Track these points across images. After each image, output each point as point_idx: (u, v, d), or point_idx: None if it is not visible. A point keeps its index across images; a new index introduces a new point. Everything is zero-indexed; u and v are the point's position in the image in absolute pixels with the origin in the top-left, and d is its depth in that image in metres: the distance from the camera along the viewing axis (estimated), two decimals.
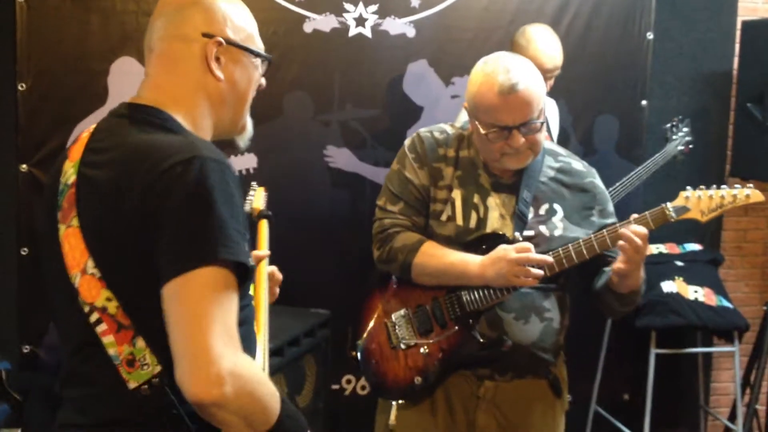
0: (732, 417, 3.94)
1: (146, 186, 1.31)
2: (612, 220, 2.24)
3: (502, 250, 2.09)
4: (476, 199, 2.18)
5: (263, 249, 1.88)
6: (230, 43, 1.49)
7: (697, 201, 2.10)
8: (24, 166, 3.22)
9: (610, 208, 2.27)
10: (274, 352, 2.60)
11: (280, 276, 1.85)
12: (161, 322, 1.32)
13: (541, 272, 2.07)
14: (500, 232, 2.15)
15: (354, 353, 2.30)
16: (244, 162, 3.36)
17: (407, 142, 2.29)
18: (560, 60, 3.06)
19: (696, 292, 3.72)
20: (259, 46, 1.56)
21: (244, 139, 1.59)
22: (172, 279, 1.28)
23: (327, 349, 3.11)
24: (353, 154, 3.43)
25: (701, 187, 2.12)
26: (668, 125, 3.51)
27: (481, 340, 2.16)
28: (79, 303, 1.38)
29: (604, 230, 2.10)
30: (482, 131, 2.09)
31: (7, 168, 3.35)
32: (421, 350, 2.20)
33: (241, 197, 1.38)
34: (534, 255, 2.07)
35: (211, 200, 1.30)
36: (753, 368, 3.83)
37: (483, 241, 2.16)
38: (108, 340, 1.36)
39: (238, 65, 1.51)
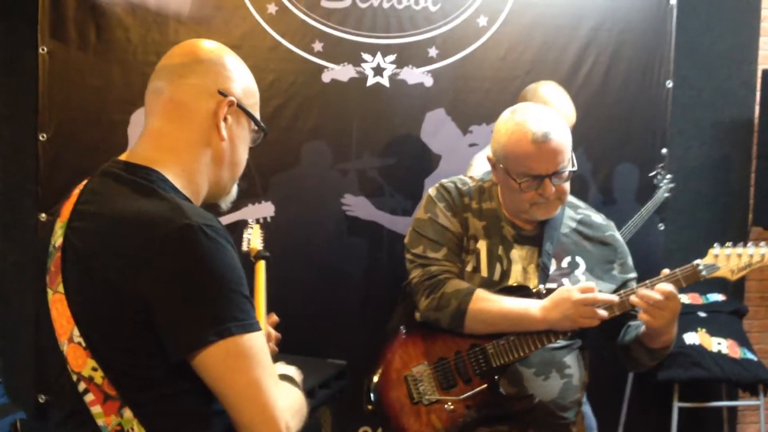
0: None
1: (137, 258, 1.30)
2: (633, 275, 2.23)
3: (566, 291, 2.06)
4: (500, 251, 2.17)
5: (261, 290, 1.87)
6: (240, 106, 1.49)
7: (726, 259, 2.09)
8: (43, 215, 3.24)
9: (630, 262, 2.26)
10: None
11: (277, 334, 1.83)
12: (149, 392, 1.34)
13: (605, 313, 2.04)
14: (523, 284, 2.13)
15: (369, 407, 2.26)
16: (262, 210, 3.36)
17: (432, 192, 2.27)
18: (574, 118, 3.06)
19: (719, 344, 3.65)
20: (259, 116, 1.56)
21: (226, 202, 1.58)
22: (196, 352, 1.31)
23: (343, 400, 3.07)
24: (370, 203, 3.43)
25: (728, 244, 2.11)
26: (653, 173, 3.50)
27: (511, 396, 2.12)
28: (68, 371, 1.37)
29: (622, 293, 2.07)
30: (513, 181, 2.08)
31: (27, 217, 3.37)
32: (446, 406, 2.16)
33: (237, 257, 1.37)
34: (600, 295, 2.05)
35: (210, 271, 1.30)
36: None
37: (507, 294, 2.13)
38: (96, 410, 1.36)
39: (240, 129, 1.51)
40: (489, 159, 2.18)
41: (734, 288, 4.05)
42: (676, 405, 3.64)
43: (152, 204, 1.35)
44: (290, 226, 3.32)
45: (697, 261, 2.09)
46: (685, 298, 3.80)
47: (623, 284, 2.19)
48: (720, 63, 3.99)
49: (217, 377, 1.32)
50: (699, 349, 3.62)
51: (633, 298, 2.02)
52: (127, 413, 1.35)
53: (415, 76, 3.43)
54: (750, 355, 3.69)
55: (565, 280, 2.15)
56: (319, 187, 3.41)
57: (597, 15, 3.54)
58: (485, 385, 2.13)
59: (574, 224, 2.23)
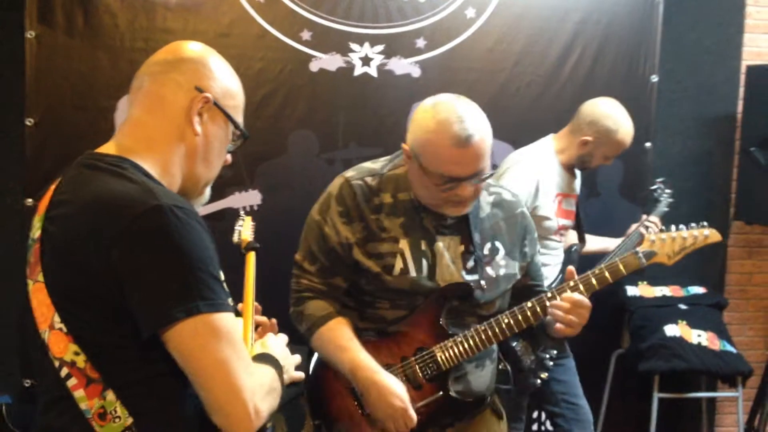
0: None
1: (108, 239, 1.33)
2: (537, 248, 2.26)
3: (399, 395, 1.99)
4: (423, 245, 2.09)
5: (250, 281, 1.88)
6: (217, 104, 1.51)
7: (661, 244, 2.12)
8: (29, 200, 3.24)
9: (536, 235, 2.26)
10: None
11: (272, 321, 1.82)
12: (130, 374, 1.37)
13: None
14: (462, 281, 2.09)
15: (317, 422, 2.20)
16: (249, 199, 3.37)
17: (334, 190, 2.14)
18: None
19: (699, 336, 3.70)
20: (240, 120, 1.58)
21: (198, 203, 1.59)
22: (164, 329, 1.33)
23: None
24: None
25: (662, 228, 2.16)
26: (654, 188, 3.51)
27: (466, 400, 2.12)
28: (50, 358, 1.40)
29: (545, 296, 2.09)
30: (429, 181, 1.99)
31: (13, 201, 3.36)
32: None
33: (209, 237, 1.39)
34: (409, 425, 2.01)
35: (181, 251, 1.33)
36: (757, 414, 3.80)
37: (448, 292, 2.09)
38: (79, 394, 1.38)
39: (217, 128, 1.53)
40: (404, 149, 2.06)
41: (715, 281, 4.10)
42: (656, 396, 3.69)
43: (124, 186, 1.38)
44: (277, 215, 3.33)
45: (636, 249, 2.11)
46: (667, 291, 3.84)
47: (531, 258, 2.21)
48: (705, 58, 4.02)
49: (186, 355, 1.34)
50: (679, 341, 3.66)
51: (552, 312, 2.04)
52: (110, 396, 1.37)
53: (403, 66, 3.44)
54: (729, 348, 3.74)
55: (488, 269, 2.12)
56: (305, 176, 3.43)
57: (584, 8, 3.56)
58: (439, 393, 2.09)
59: (489, 208, 2.16)
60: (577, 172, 3.28)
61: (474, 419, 2.21)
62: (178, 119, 1.49)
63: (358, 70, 3.42)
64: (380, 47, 3.42)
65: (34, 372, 1.50)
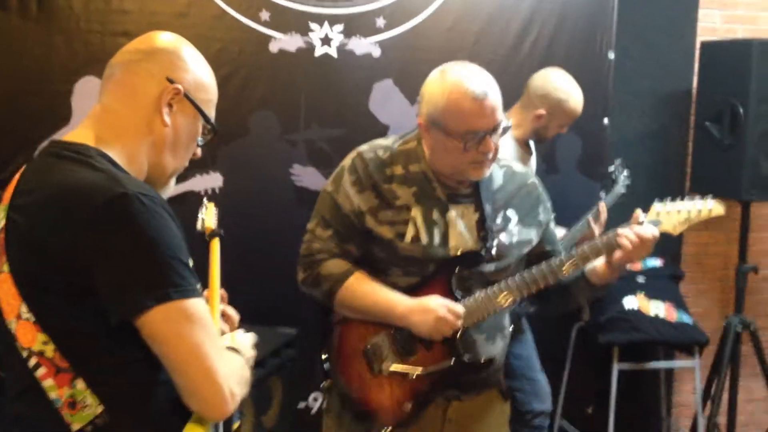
0: (693, 430, 4.01)
1: (75, 227, 1.33)
2: (553, 214, 2.33)
3: (436, 304, 2.09)
4: (435, 214, 2.15)
5: (215, 268, 1.89)
6: (188, 97, 1.51)
7: (667, 215, 2.17)
8: None
9: (549, 203, 2.33)
10: None
11: (234, 315, 1.82)
12: (99, 362, 1.38)
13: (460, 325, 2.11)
14: (474, 249, 2.14)
15: (326, 383, 2.26)
16: (210, 181, 3.36)
17: (347, 162, 2.22)
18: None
19: (657, 307, 3.79)
20: (212, 114, 1.58)
21: (165, 193, 1.58)
22: (135, 317, 1.33)
23: (293, 368, 3.11)
24: (319, 173, 3.45)
25: (667, 199, 2.19)
26: (612, 169, 3.58)
27: (471, 359, 2.14)
28: (17, 348, 1.40)
29: (574, 252, 2.15)
30: (456, 141, 2.06)
31: None
32: (408, 375, 2.15)
33: (177, 224, 1.40)
34: (460, 322, 2.10)
35: (149, 238, 1.33)
36: (713, 382, 3.90)
37: (461, 261, 2.15)
38: (48, 383, 1.38)
39: (186, 120, 1.53)
40: (420, 123, 2.14)
41: (672, 253, 4.19)
42: (616, 367, 3.77)
43: (89, 174, 1.38)
44: (239, 197, 3.32)
45: (642, 218, 2.15)
46: (662, 310, 3.90)
47: (547, 225, 2.28)
48: (660, 35, 4.06)
49: (160, 341, 1.35)
50: (638, 313, 3.75)
51: (622, 241, 2.09)
52: (80, 384, 1.38)
53: (363, 46, 3.44)
54: (686, 318, 3.84)
55: (502, 236, 2.18)
56: (267, 158, 3.42)
57: None
58: (443, 348, 2.13)
59: (501, 179, 2.24)
60: (533, 148, 3.33)
61: (480, 395, 2.25)
62: (147, 109, 1.48)
63: (319, 50, 3.41)
64: (340, 27, 3.41)
65: (1, 363, 1.49)
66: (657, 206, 2.18)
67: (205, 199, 2.14)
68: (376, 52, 3.45)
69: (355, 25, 3.42)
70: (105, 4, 3.23)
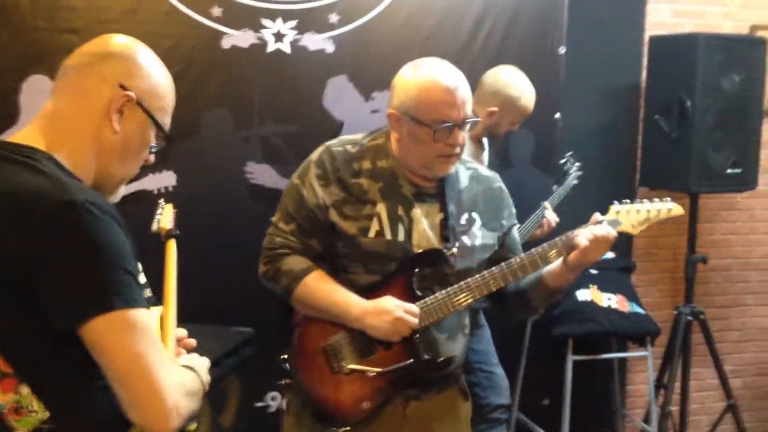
0: (647, 419, 4.09)
1: (19, 233, 1.31)
2: (515, 220, 2.33)
3: (392, 305, 2.09)
4: (401, 211, 2.16)
5: (171, 269, 1.87)
6: (140, 104, 1.48)
7: (626, 215, 2.18)
8: None
9: (514, 210, 2.34)
10: None
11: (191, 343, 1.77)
12: (44, 368, 1.35)
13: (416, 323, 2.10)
14: (436, 248, 2.15)
15: (286, 381, 2.24)
16: (163, 180, 3.32)
17: (315, 155, 2.22)
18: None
19: (609, 299, 3.84)
20: (165, 122, 1.54)
21: (112, 200, 1.55)
22: (79, 326, 1.31)
23: (251, 367, 3.09)
24: (274, 170, 3.43)
25: (626, 201, 2.20)
26: (563, 161, 3.63)
27: (430, 358, 2.13)
28: None
29: (534, 251, 2.14)
30: (426, 129, 2.07)
31: None
32: (367, 374, 2.14)
33: (123, 232, 1.38)
34: (415, 321, 2.09)
35: (95, 247, 1.31)
36: (666, 371, 3.98)
37: (422, 259, 2.14)
38: None
39: (137, 127, 1.50)
40: (392, 114, 2.14)
41: (623, 245, 4.25)
42: (570, 359, 3.82)
43: (35, 180, 1.35)
44: (193, 195, 3.29)
45: (601, 218, 2.17)
46: (615, 302, 3.95)
47: (509, 231, 2.29)
48: (610, 30, 4.12)
49: (101, 351, 1.32)
50: (591, 305, 3.80)
51: (579, 240, 2.09)
52: (25, 390, 1.36)
53: (317, 42, 3.42)
54: (638, 309, 3.90)
55: (464, 238, 2.18)
56: (221, 155, 3.39)
57: None
58: (402, 348, 2.12)
59: (467, 181, 2.25)
60: (486, 144, 3.36)
61: (440, 394, 2.24)
62: (97, 115, 1.46)
63: (271, 46, 3.38)
64: (293, 23, 3.39)
65: None
66: (616, 207, 2.19)
67: (162, 200, 2.11)
68: (330, 48, 3.44)
69: (309, 21, 3.41)
70: (52, 1, 3.16)
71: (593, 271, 3.92)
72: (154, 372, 1.33)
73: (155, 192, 3.26)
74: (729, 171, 3.87)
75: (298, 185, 2.20)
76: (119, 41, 1.53)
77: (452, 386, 2.30)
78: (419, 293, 2.14)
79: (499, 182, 2.32)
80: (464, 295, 2.14)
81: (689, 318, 3.93)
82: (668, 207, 2.19)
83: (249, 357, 3.09)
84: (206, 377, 1.56)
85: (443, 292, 2.14)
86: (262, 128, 3.42)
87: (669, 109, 3.87)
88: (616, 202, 2.20)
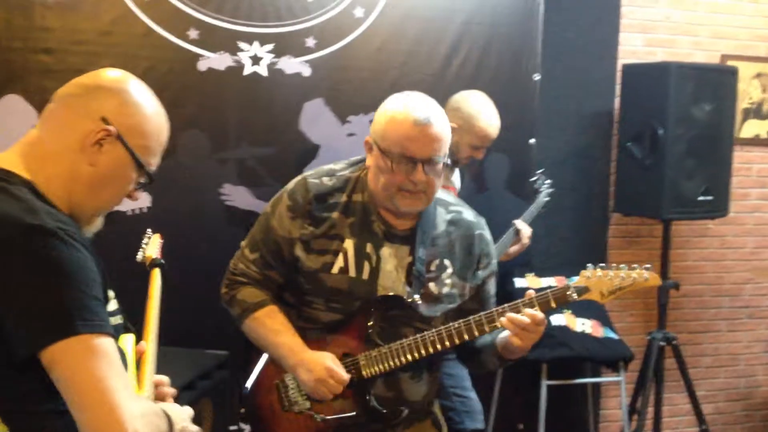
0: None
1: None
2: (494, 269, 2.26)
3: (322, 366, 2.06)
4: (369, 248, 2.13)
5: (155, 297, 1.85)
6: (121, 140, 1.47)
7: (597, 282, 2.06)
8: None
9: (494, 260, 2.28)
10: None
11: (170, 391, 1.75)
12: (9, 390, 1.33)
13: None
14: (396, 294, 2.11)
15: (242, 410, 2.25)
16: (138, 201, 3.27)
17: (290, 186, 2.20)
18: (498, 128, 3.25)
19: (583, 324, 3.86)
20: (150, 161, 1.53)
21: (89, 232, 1.54)
22: (42, 350, 1.29)
23: (225, 390, 3.06)
24: (250, 192, 3.42)
25: (601, 265, 2.10)
26: (534, 179, 3.65)
27: (383, 411, 2.12)
28: None
29: (494, 312, 2.07)
30: (387, 159, 2.04)
31: None
32: (315, 416, 2.13)
33: (94, 260, 1.37)
34: (339, 387, 2.07)
35: (60, 272, 1.30)
36: (639, 396, 3.99)
37: (383, 303, 2.11)
38: None
39: (116, 163, 1.49)
40: (366, 141, 2.12)
41: None
42: (545, 383, 3.83)
43: (6, 203, 1.35)
44: (168, 217, 3.26)
45: (569, 283, 2.08)
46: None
47: (483, 282, 2.22)
48: (583, 57, 4.17)
49: (60, 374, 1.30)
50: (564, 330, 3.81)
51: (503, 320, 2.03)
52: None
53: (293, 65, 3.43)
54: (611, 334, 3.92)
55: (431, 285, 2.14)
56: (196, 177, 3.37)
57: (468, 10, 3.63)
58: (352, 395, 2.10)
59: (444, 225, 2.19)
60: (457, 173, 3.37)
61: (410, 428, 2.21)
62: (75, 145, 1.46)
63: (248, 69, 3.39)
64: (270, 46, 3.40)
65: None
66: (586, 272, 2.08)
67: (149, 231, 2.12)
68: (306, 72, 3.45)
69: (285, 45, 3.42)
70: (27, 21, 3.14)
71: None
72: (114, 397, 1.29)
73: (129, 213, 3.23)
74: (701, 198, 3.91)
75: (269, 214, 2.19)
76: (111, 75, 1.53)
77: (423, 420, 2.27)
78: (375, 338, 2.11)
79: (481, 229, 2.24)
80: (408, 352, 2.09)
81: (662, 343, 3.95)
82: (644, 276, 2.07)
83: (223, 380, 3.05)
84: (182, 425, 1.51)
85: (387, 347, 2.10)
86: (239, 150, 3.41)
87: (641, 136, 3.92)
88: (589, 266, 2.09)
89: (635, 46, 4.30)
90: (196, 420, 2.87)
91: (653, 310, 4.16)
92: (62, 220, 1.37)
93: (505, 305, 2.08)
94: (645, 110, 3.92)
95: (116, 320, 1.53)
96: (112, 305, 1.53)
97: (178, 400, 2.65)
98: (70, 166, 1.46)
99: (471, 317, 2.09)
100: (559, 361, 3.83)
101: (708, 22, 4.42)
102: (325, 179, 2.18)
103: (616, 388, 4.15)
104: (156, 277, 1.96)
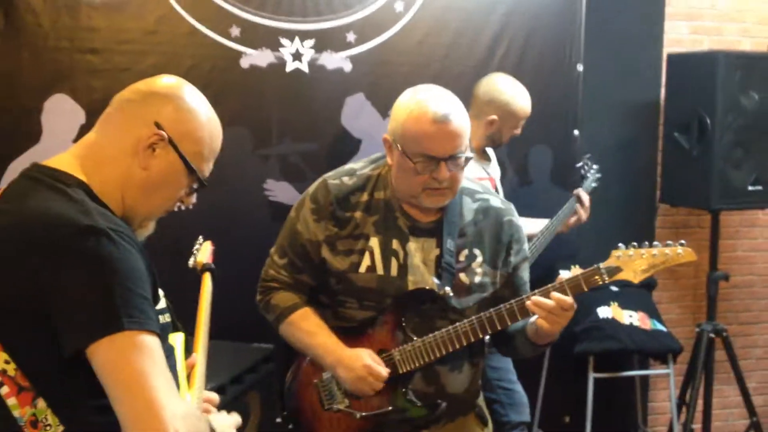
0: None
1: (41, 255, 1.33)
2: (526, 255, 2.23)
3: (361, 364, 2.06)
4: (395, 244, 2.11)
5: (205, 301, 1.88)
6: (173, 145, 1.49)
7: (629, 261, 2.02)
8: None
9: (526, 246, 2.25)
10: (216, 391, 2.57)
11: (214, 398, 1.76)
12: (61, 382, 1.36)
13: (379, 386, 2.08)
14: (427, 287, 2.09)
15: (284, 413, 2.26)
16: None
17: (311, 188, 2.19)
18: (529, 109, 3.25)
19: (631, 316, 3.82)
20: (202, 167, 1.54)
21: (141, 236, 1.55)
22: (88, 345, 1.31)
23: (271, 384, 3.09)
24: (293, 188, 3.44)
25: (633, 244, 2.05)
26: (580, 164, 3.61)
27: (419, 405, 2.11)
28: None
29: (524, 298, 2.05)
30: (409, 161, 2.01)
31: None
32: (354, 413, 2.12)
33: (141, 260, 1.39)
34: (378, 384, 2.06)
35: (109, 270, 1.32)
36: (688, 388, 3.93)
37: (414, 297, 2.10)
38: (11, 402, 1.37)
39: (168, 168, 1.50)
40: (385, 139, 2.09)
41: None
42: (592, 376, 3.79)
43: (62, 204, 1.38)
44: (211, 213, 3.29)
45: (599, 264, 2.04)
46: None
47: (515, 269, 2.19)
48: (627, 46, 4.12)
49: (103, 369, 1.32)
50: (612, 323, 3.77)
51: (528, 303, 2.01)
52: (41, 403, 1.37)
53: (334, 61, 3.44)
54: (660, 326, 3.87)
55: (462, 275, 2.12)
56: (240, 174, 3.40)
57: (509, 1, 3.61)
58: (389, 390, 2.09)
59: (471, 215, 2.16)
60: (492, 155, 3.35)
61: (453, 422, 2.20)
62: (129, 149, 1.48)
63: (290, 65, 3.41)
64: (311, 42, 3.41)
65: None
66: (617, 252, 2.03)
67: (201, 237, 2.15)
68: (348, 67, 3.46)
69: (326, 40, 3.43)
70: (73, 21, 3.20)
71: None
72: (155, 394, 1.30)
73: (174, 210, 3.27)
74: (750, 188, 3.84)
75: (294, 218, 2.20)
76: (166, 82, 1.55)
77: (466, 414, 2.25)
78: (409, 333, 2.11)
79: (510, 215, 2.20)
80: (442, 347, 2.08)
81: (712, 335, 3.89)
82: (678, 251, 2.03)
83: (270, 373, 3.09)
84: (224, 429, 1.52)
85: (421, 341, 2.09)
86: (281, 146, 3.44)
87: (688, 126, 3.86)
88: (621, 245, 2.05)
89: (681, 35, 4.23)
90: (244, 413, 2.91)
91: (702, 302, 4.11)
92: (114, 222, 1.39)
93: (536, 291, 2.05)
94: (692, 100, 3.86)
95: (165, 318, 1.56)
96: (161, 303, 1.55)
97: (226, 394, 2.70)
98: (124, 169, 1.48)
99: (502, 305, 2.07)
100: (606, 354, 3.79)
101: (755, 8, 4.34)
102: (346, 179, 2.16)
103: (664, 381, 4.10)
104: (207, 282, 2.00)
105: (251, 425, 2.96)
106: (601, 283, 2.03)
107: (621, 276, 2.03)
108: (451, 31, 3.55)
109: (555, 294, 2.00)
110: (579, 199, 3.43)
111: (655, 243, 2.06)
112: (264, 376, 3.05)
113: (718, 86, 3.74)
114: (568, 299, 1.99)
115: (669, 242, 2.06)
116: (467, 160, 2.05)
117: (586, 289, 2.03)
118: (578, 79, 3.74)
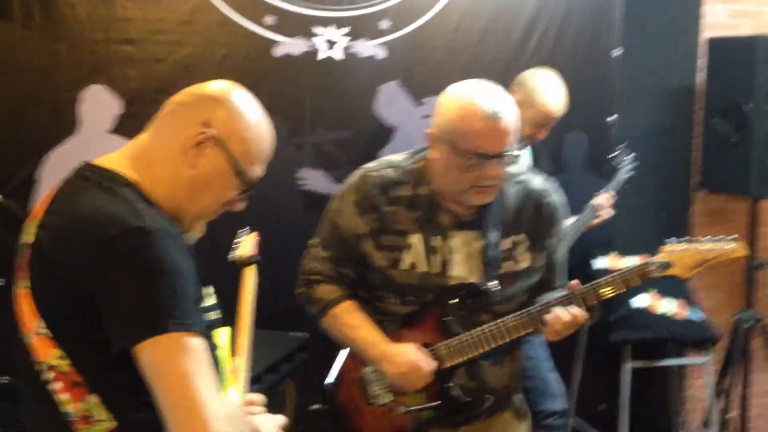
0: (706, 425, 4.00)
1: (90, 255, 1.34)
2: (561, 240, 2.22)
3: (406, 360, 2.05)
4: (438, 241, 2.09)
5: (247, 294, 1.89)
6: (221, 144, 1.49)
7: (680, 256, 2.00)
8: None
9: (561, 227, 2.22)
10: (252, 381, 2.59)
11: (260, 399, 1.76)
12: (112, 379, 1.38)
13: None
14: (472, 281, 2.08)
15: (322, 406, 2.24)
16: None
17: (352, 179, 2.16)
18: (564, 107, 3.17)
19: (670, 304, 3.77)
20: (251, 169, 1.54)
21: (190, 238, 1.56)
22: (133, 345, 1.32)
23: (306, 372, 3.11)
24: (327, 176, 3.44)
25: (686, 238, 2.03)
26: (615, 153, 3.56)
27: (467, 400, 2.11)
28: (34, 362, 1.41)
29: (569, 294, 2.05)
30: (459, 158, 1.97)
31: None
32: (398, 408, 2.11)
33: (189, 261, 1.39)
34: (425, 379, 2.06)
35: (156, 271, 1.33)
36: (725, 377, 3.89)
37: (457, 292, 2.09)
38: (64, 397, 1.39)
39: (215, 167, 1.50)
40: (430, 134, 2.05)
41: None
42: (629, 365, 3.76)
43: (112, 205, 1.39)
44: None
45: (650, 259, 2.02)
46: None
47: (555, 251, 2.18)
48: (665, 32, 4.05)
49: (151, 372, 1.33)
50: (646, 312, 3.73)
51: (548, 317, 2.02)
52: (93, 399, 1.39)
53: (368, 48, 3.44)
54: (697, 314, 3.82)
55: (507, 263, 2.10)
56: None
57: None
58: (434, 385, 2.09)
59: (513, 201, 2.13)
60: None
61: (492, 418, 2.20)
62: (179, 149, 1.48)
63: (323, 53, 3.41)
64: (345, 30, 3.41)
65: (8, 368, 1.49)
66: (668, 246, 2.01)
67: (244, 230, 2.16)
68: (381, 54, 3.45)
69: (360, 28, 3.42)
70: (108, 12, 3.23)
71: None
72: (199, 395, 1.31)
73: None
74: None
75: (334, 211, 2.17)
76: (216, 85, 1.56)
77: (503, 410, 2.24)
78: (452, 328, 2.10)
79: (550, 197, 2.17)
80: (490, 342, 2.07)
81: (749, 324, 3.84)
82: (729, 247, 2.00)
83: (305, 361, 3.10)
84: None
85: (468, 335, 2.08)
86: (315, 135, 3.44)
87: (727, 112, 3.80)
88: (671, 240, 2.02)
89: (719, 19, 4.15)
90: (280, 401, 2.94)
91: (739, 290, 4.05)
92: (163, 223, 1.40)
93: (587, 285, 2.05)
94: (731, 86, 3.79)
95: (213, 315, 1.58)
96: (210, 300, 1.57)
97: (262, 383, 2.72)
98: (174, 169, 1.49)
99: (552, 298, 2.07)
100: (642, 343, 3.76)
101: None
102: (389, 171, 2.13)
103: (701, 369, 4.05)
104: (249, 273, 2.00)
105: (287, 414, 2.98)
106: (653, 278, 2.02)
107: (672, 271, 2.01)
108: (486, 16, 3.53)
109: (575, 310, 2.01)
110: (594, 209, 3.38)
111: (706, 237, 2.04)
112: (299, 364, 3.06)
113: (759, 72, 3.67)
114: (582, 314, 2.01)
115: (720, 237, 2.03)
116: (516, 157, 2.03)
117: (639, 284, 2.02)
118: (614, 65, 3.70)
